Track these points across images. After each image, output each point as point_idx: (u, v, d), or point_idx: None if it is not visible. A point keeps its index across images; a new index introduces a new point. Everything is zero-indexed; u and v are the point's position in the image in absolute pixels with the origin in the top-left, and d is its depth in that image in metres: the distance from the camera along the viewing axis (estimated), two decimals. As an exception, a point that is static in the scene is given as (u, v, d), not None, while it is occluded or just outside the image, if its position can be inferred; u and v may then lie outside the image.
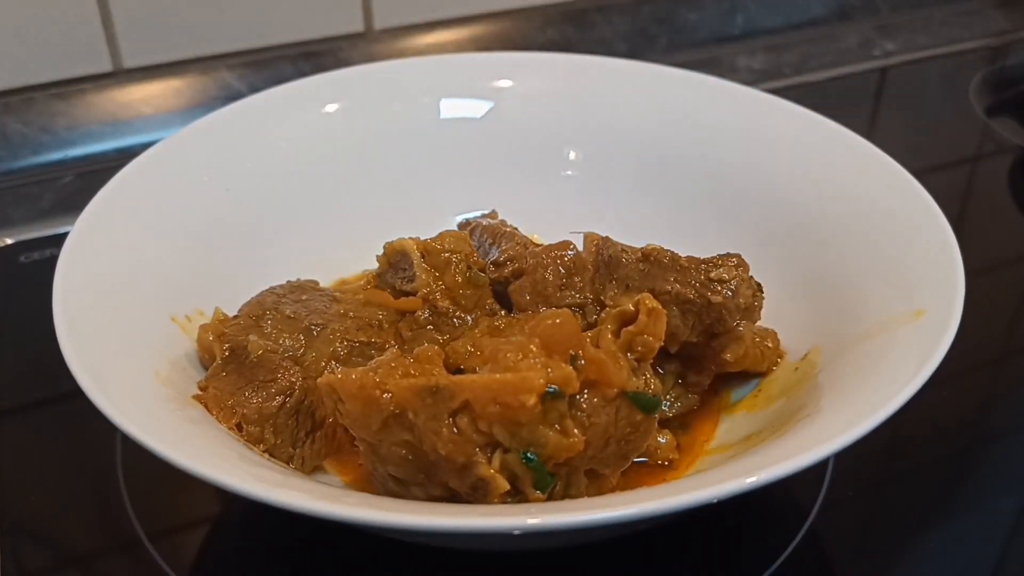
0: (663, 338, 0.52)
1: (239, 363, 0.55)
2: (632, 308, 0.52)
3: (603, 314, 0.59)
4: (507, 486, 0.47)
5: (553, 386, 0.47)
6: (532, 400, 0.46)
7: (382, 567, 0.55)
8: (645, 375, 0.51)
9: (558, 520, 0.41)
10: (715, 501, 0.42)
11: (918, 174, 0.64)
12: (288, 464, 0.54)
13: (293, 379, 0.55)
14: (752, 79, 1.04)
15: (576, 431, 0.48)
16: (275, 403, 0.54)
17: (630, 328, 0.51)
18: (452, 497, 0.50)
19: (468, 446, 0.47)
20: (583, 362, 0.49)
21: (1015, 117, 1.06)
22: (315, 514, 0.41)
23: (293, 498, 0.42)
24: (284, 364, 0.55)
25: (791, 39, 1.16)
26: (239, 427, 0.53)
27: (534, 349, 0.48)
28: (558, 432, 0.47)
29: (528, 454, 0.47)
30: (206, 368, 0.58)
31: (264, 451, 0.53)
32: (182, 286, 0.61)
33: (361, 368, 0.49)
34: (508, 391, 0.46)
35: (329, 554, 0.55)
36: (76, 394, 0.47)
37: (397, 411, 0.48)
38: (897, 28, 1.19)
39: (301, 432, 0.55)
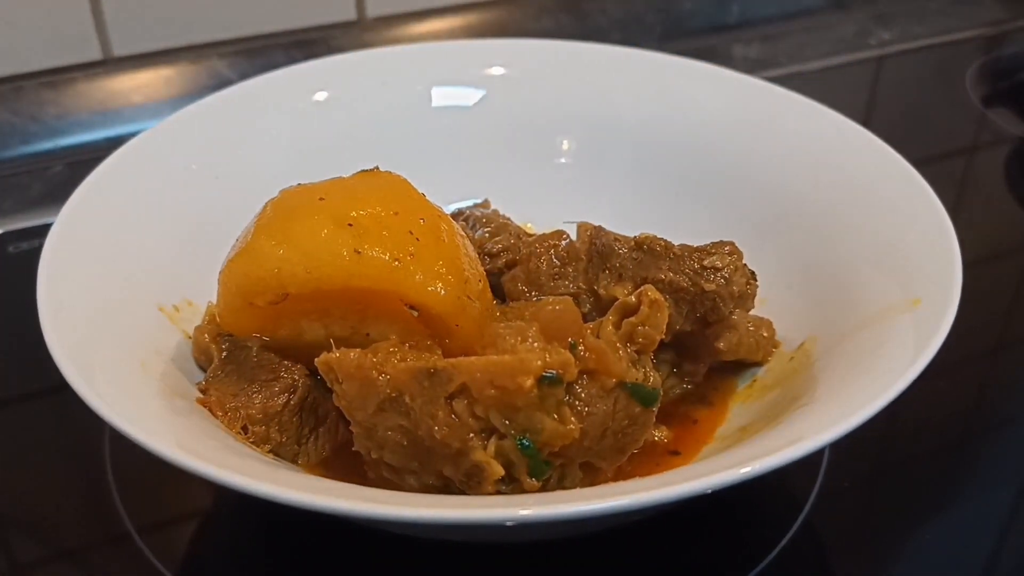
0: (664, 330, 0.52)
1: (239, 363, 0.55)
2: (634, 300, 0.52)
3: (596, 303, 0.58)
4: (502, 472, 0.47)
5: (551, 371, 0.46)
6: (529, 382, 0.45)
7: (374, 560, 0.54)
8: (645, 368, 0.51)
9: (551, 511, 0.40)
10: (709, 492, 0.41)
11: (914, 164, 0.63)
12: (294, 462, 0.54)
13: (296, 376, 0.54)
14: (748, 68, 1.03)
15: (573, 419, 0.47)
16: (280, 401, 0.53)
17: (631, 319, 0.51)
18: (446, 487, 0.49)
19: (464, 431, 0.47)
20: (583, 350, 0.49)
21: (1011, 107, 1.05)
22: (303, 506, 0.41)
23: (280, 490, 0.41)
24: (285, 363, 0.55)
25: (787, 28, 1.15)
26: (245, 429, 0.53)
27: (533, 333, 0.48)
28: (555, 419, 0.47)
29: (524, 440, 0.47)
30: (201, 368, 0.57)
31: (269, 451, 0.53)
32: (169, 276, 0.60)
33: (359, 349, 0.49)
34: (505, 373, 0.46)
35: (320, 547, 0.55)
36: (65, 386, 0.47)
37: (393, 394, 0.48)
38: (893, 17, 1.19)
39: (305, 428, 0.55)
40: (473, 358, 0.47)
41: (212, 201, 0.66)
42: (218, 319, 0.56)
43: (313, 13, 0.98)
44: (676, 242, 0.58)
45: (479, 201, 0.71)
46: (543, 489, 0.49)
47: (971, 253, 0.56)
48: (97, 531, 0.57)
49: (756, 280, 0.58)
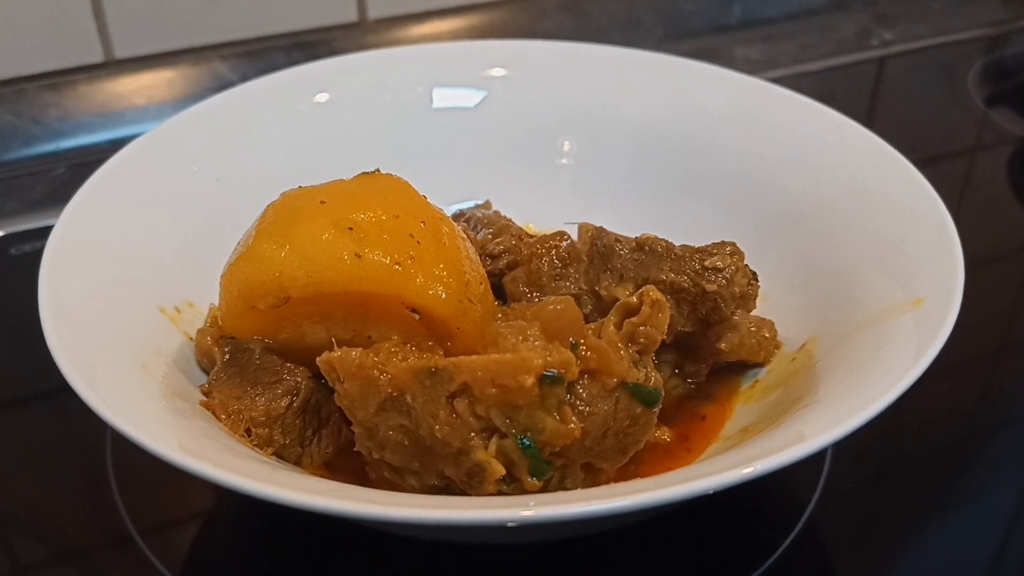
0: (666, 331, 0.51)
1: (241, 366, 0.55)
2: (636, 300, 0.52)
3: (597, 304, 0.58)
4: (503, 471, 0.47)
5: (552, 370, 0.46)
6: (530, 380, 0.45)
7: (376, 561, 0.54)
8: (646, 368, 0.51)
9: (552, 512, 0.40)
10: (711, 492, 0.41)
11: (916, 164, 0.63)
12: (298, 464, 0.54)
13: (299, 379, 0.54)
14: (749, 69, 1.03)
15: (574, 419, 0.47)
16: (283, 403, 0.53)
17: (633, 319, 0.51)
18: (447, 487, 0.49)
19: (465, 430, 0.47)
20: (584, 350, 0.48)
21: (1014, 107, 1.05)
22: (304, 507, 0.41)
23: (281, 491, 0.41)
24: (288, 365, 0.55)
25: (789, 29, 1.15)
26: (248, 432, 0.53)
27: (534, 333, 0.48)
28: (556, 419, 0.47)
29: (525, 440, 0.47)
30: (203, 371, 0.57)
31: (272, 453, 0.53)
32: (170, 278, 0.60)
33: (361, 349, 0.49)
34: (506, 371, 0.45)
35: (322, 549, 0.55)
36: (67, 388, 0.47)
37: (395, 393, 0.48)
38: (895, 17, 1.19)
39: (308, 430, 0.55)
40: (474, 357, 0.47)
41: (213, 203, 0.66)
42: (220, 322, 0.56)
43: (314, 15, 0.98)
44: (677, 243, 0.58)
45: (480, 202, 0.71)
46: (544, 490, 0.49)
47: (973, 253, 0.56)
48: (99, 533, 0.57)
49: (757, 281, 0.58)
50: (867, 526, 0.57)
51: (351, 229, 0.51)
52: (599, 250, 0.59)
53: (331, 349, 0.50)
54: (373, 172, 0.57)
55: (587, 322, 0.52)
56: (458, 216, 0.68)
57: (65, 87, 0.91)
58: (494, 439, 0.47)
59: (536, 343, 0.47)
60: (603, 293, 0.57)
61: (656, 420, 0.52)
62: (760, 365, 0.61)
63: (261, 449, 0.53)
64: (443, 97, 0.76)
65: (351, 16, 0.99)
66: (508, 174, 0.75)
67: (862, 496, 0.60)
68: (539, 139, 0.76)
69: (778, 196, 0.68)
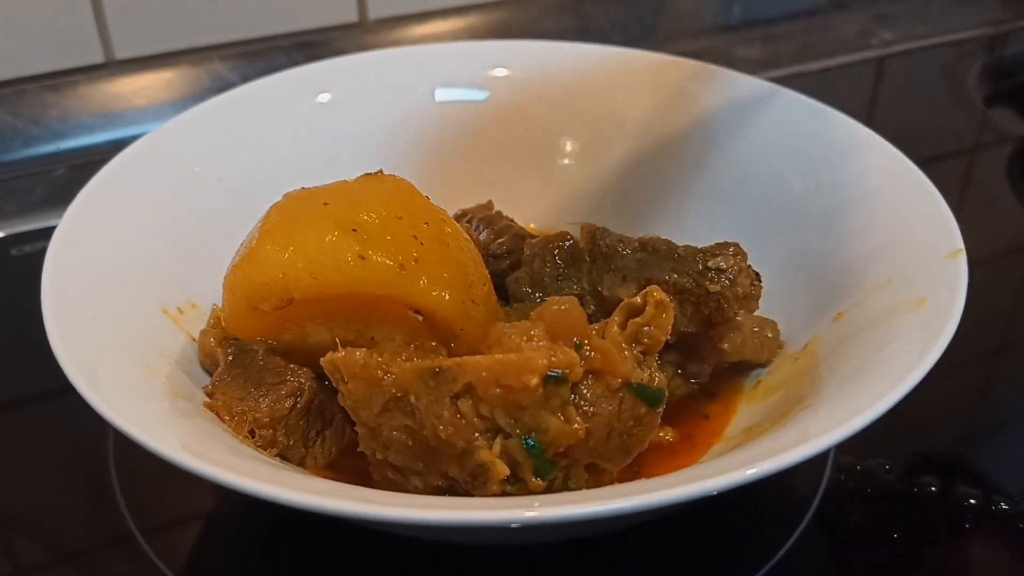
0: (670, 331, 0.51)
1: (245, 367, 0.55)
2: (640, 300, 0.52)
3: (599, 305, 0.58)
4: (507, 471, 0.47)
5: (556, 370, 0.46)
6: (534, 381, 0.45)
7: (379, 562, 0.54)
8: (650, 368, 0.51)
9: (556, 513, 0.40)
10: (715, 493, 0.41)
11: (916, 164, 0.63)
12: (301, 464, 0.54)
13: (303, 380, 0.54)
14: (749, 69, 1.03)
15: (578, 419, 0.47)
16: (286, 404, 0.54)
17: (636, 320, 0.51)
18: (451, 488, 0.49)
19: (469, 430, 0.47)
20: (588, 350, 0.49)
21: (1014, 107, 1.05)
22: (307, 507, 0.41)
23: (284, 492, 0.41)
24: (291, 366, 0.55)
25: (789, 28, 1.15)
26: (252, 433, 0.53)
27: (538, 333, 0.48)
28: (560, 419, 0.47)
29: (529, 440, 0.47)
30: (207, 372, 0.57)
31: (276, 454, 0.53)
32: (173, 278, 0.60)
33: (365, 349, 0.49)
34: (511, 372, 0.45)
35: (325, 549, 0.55)
36: (69, 388, 0.47)
37: (399, 394, 0.48)
38: (895, 17, 1.19)
39: (312, 431, 0.55)
40: (478, 357, 0.47)
41: (215, 204, 0.66)
42: (223, 323, 0.56)
43: (315, 15, 0.98)
44: (680, 243, 0.58)
45: (483, 203, 0.70)
46: (548, 490, 0.49)
47: (974, 252, 0.56)
48: (101, 533, 0.57)
49: (760, 281, 0.58)
50: (870, 526, 0.57)
51: (354, 230, 0.51)
52: (602, 250, 0.59)
53: (335, 350, 0.50)
54: (376, 173, 0.57)
55: (590, 323, 0.52)
56: (460, 216, 0.68)
57: (65, 88, 0.91)
58: (498, 439, 0.47)
59: (540, 343, 0.48)
60: (606, 293, 0.57)
61: (659, 420, 0.52)
62: (763, 365, 0.61)
63: (265, 450, 0.53)
64: (445, 97, 0.76)
65: (351, 16, 0.99)
66: (510, 174, 0.75)
67: (865, 496, 0.60)
68: (541, 139, 0.76)
69: (779, 196, 0.68)
